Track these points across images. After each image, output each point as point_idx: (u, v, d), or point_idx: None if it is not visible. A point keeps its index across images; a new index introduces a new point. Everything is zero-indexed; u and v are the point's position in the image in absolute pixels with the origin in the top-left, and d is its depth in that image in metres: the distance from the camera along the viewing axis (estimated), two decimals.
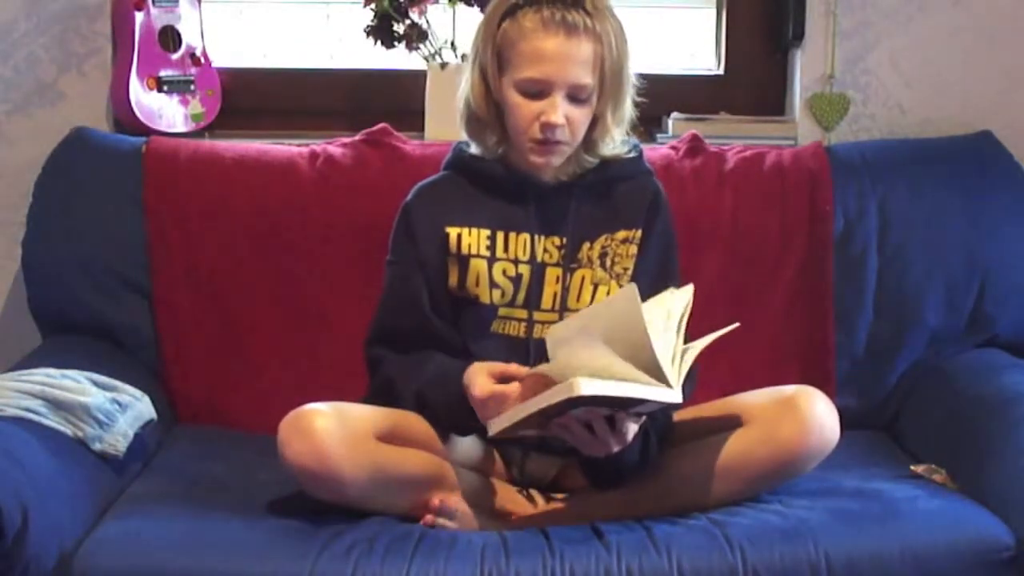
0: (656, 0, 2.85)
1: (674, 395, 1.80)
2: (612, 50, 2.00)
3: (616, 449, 1.86)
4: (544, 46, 1.98)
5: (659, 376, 1.78)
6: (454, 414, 1.94)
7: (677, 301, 1.89)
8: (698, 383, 2.05)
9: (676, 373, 1.82)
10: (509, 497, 2.03)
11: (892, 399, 2.39)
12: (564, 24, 1.97)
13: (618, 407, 1.81)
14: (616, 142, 2.09)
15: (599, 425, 1.83)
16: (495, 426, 1.85)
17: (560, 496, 2.04)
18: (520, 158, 2.07)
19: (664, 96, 2.43)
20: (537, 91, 2.00)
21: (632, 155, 2.12)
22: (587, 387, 1.73)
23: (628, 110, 2.07)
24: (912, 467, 2.11)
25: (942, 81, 2.64)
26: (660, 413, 1.94)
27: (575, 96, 2.00)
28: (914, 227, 2.41)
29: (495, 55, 2.03)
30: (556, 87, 1.98)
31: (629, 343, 1.78)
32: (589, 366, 1.77)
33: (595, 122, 2.04)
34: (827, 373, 2.37)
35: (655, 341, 1.77)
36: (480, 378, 1.89)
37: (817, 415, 1.93)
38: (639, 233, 2.09)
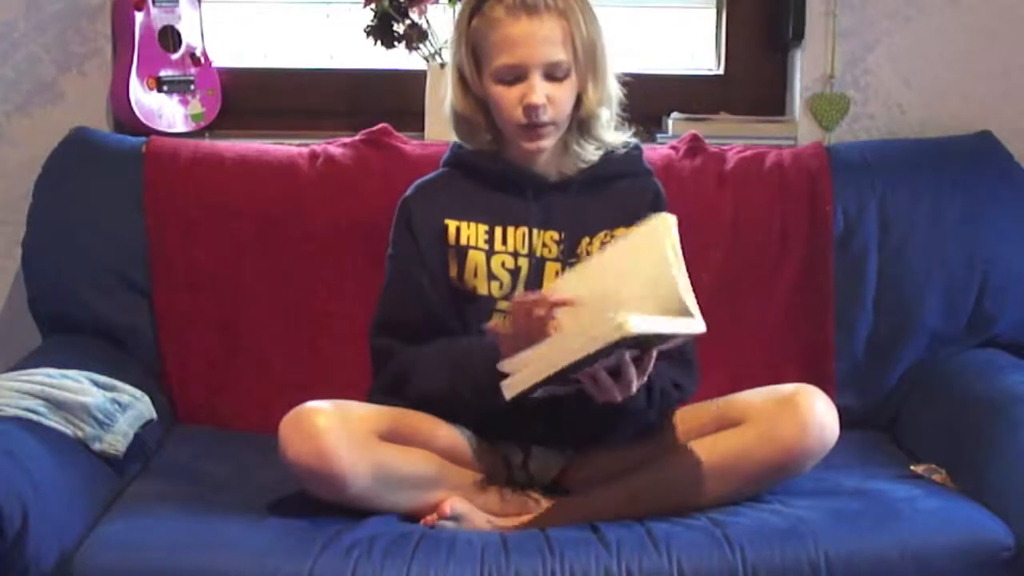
0: (656, 0, 2.85)
1: (701, 324, 1.80)
2: (580, 25, 2.03)
3: (634, 391, 1.86)
4: (512, 31, 2.01)
5: (683, 310, 1.78)
6: (480, 388, 1.91)
7: (673, 231, 1.85)
8: (698, 383, 2.06)
9: (694, 303, 1.82)
10: (509, 497, 2.03)
11: (892, 399, 2.39)
12: (525, 6, 2.01)
13: (652, 344, 1.80)
14: (609, 125, 2.10)
15: (626, 368, 1.83)
16: (513, 388, 1.81)
17: (560, 496, 2.04)
18: (515, 151, 2.08)
19: (664, 96, 2.43)
20: (514, 77, 2.02)
21: (633, 152, 2.13)
22: (638, 325, 1.70)
23: (612, 87, 2.09)
24: (912, 467, 2.11)
25: (942, 81, 2.64)
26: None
27: (552, 74, 2.02)
28: (914, 227, 2.41)
29: (470, 53, 2.06)
30: (531, 69, 2.01)
31: (652, 277, 1.78)
32: (617, 299, 1.75)
33: (579, 101, 2.06)
34: (827, 373, 2.37)
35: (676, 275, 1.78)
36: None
37: (817, 414, 1.92)
38: None
